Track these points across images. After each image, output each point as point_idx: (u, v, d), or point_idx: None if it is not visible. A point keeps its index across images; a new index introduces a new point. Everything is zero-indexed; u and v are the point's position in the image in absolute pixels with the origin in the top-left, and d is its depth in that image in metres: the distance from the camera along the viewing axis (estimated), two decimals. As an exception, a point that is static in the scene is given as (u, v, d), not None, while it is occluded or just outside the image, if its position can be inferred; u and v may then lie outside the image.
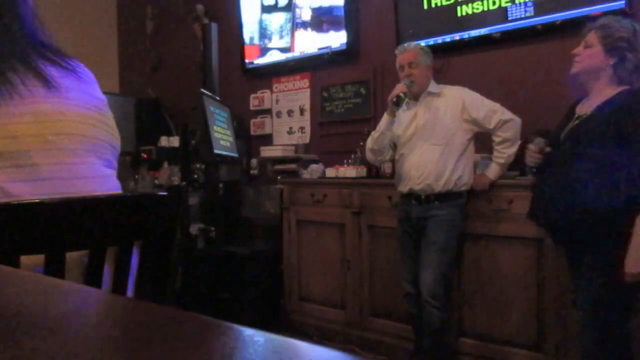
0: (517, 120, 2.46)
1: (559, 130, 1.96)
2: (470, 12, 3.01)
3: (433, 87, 2.56)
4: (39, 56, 0.88)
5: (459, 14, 3.05)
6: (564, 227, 1.92)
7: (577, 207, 1.80)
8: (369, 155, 2.74)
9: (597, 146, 1.77)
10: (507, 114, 2.46)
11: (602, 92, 1.86)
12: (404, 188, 2.55)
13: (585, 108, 1.90)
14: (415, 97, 2.57)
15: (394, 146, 2.66)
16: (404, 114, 2.61)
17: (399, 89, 2.45)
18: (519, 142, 2.48)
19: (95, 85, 0.97)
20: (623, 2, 2.51)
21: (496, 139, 2.46)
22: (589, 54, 1.88)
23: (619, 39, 1.83)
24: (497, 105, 2.48)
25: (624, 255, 1.72)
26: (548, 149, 1.93)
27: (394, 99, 2.43)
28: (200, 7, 4.31)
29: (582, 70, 1.90)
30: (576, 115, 1.92)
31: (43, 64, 0.87)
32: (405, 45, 2.62)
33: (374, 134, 2.62)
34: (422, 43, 3.02)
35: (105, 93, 1.00)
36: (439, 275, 2.42)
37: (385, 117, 2.56)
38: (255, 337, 0.30)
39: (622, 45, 1.82)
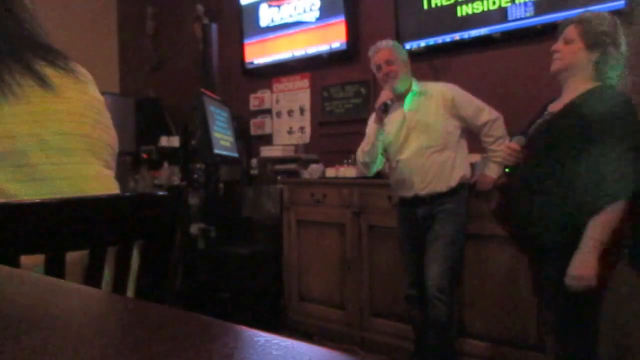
0: (501, 117, 2.47)
1: (528, 128, 1.88)
2: (470, 12, 3.01)
3: (416, 85, 2.52)
4: (35, 57, 0.88)
5: (459, 14, 3.05)
6: (524, 229, 1.84)
7: (535, 210, 1.73)
8: (361, 169, 2.69)
9: (559, 147, 1.70)
10: (493, 113, 2.46)
11: (576, 89, 1.76)
12: (407, 194, 2.49)
13: (556, 106, 1.82)
14: (400, 98, 2.51)
15: (386, 152, 2.60)
16: (391, 117, 2.53)
17: (385, 95, 2.42)
18: (509, 138, 2.48)
19: (93, 86, 0.97)
20: (623, 2, 2.51)
21: (488, 139, 2.45)
22: (569, 50, 1.78)
23: (601, 33, 1.73)
24: (483, 104, 2.47)
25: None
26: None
27: (382, 107, 2.41)
28: (200, 7, 4.31)
29: (563, 67, 1.80)
30: (546, 112, 1.84)
31: (39, 64, 0.87)
32: (378, 44, 2.56)
33: (365, 147, 2.56)
34: (422, 43, 3.03)
35: (105, 93, 1.00)
36: (446, 269, 2.37)
37: (373, 127, 2.51)
38: (255, 337, 0.30)
39: (604, 39, 1.73)
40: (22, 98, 0.83)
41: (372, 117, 2.63)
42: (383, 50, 2.51)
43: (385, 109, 2.42)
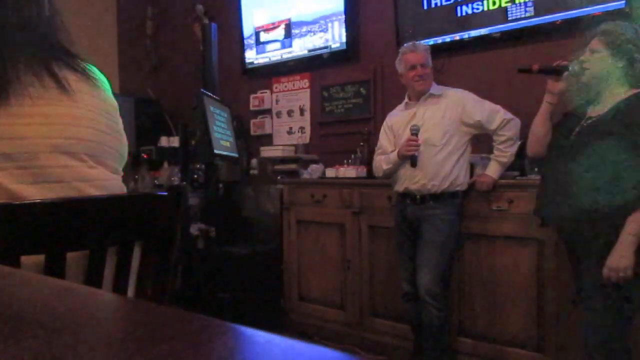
0: (518, 120, 2.49)
1: (569, 128, 1.97)
2: (470, 12, 3.01)
3: (435, 88, 2.57)
4: (55, 58, 0.87)
5: (459, 14, 3.05)
6: (567, 224, 1.94)
7: (580, 206, 1.82)
8: (377, 175, 2.74)
9: (606, 147, 1.79)
10: (509, 114, 2.49)
11: (614, 95, 1.88)
12: (400, 187, 2.56)
13: (597, 110, 1.93)
14: (417, 98, 2.57)
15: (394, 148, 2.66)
16: (403, 114, 2.63)
17: (413, 146, 2.41)
18: (519, 142, 2.49)
19: (109, 91, 0.98)
20: (623, 2, 2.51)
21: (499, 138, 2.47)
22: (596, 59, 1.91)
23: (624, 41, 1.85)
24: (497, 106, 2.51)
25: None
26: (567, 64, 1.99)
27: (412, 161, 2.42)
28: (200, 7, 4.31)
29: (592, 76, 1.93)
30: (587, 116, 1.94)
31: (59, 66, 0.87)
32: (415, 44, 2.62)
33: (385, 167, 2.60)
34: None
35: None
36: (436, 275, 2.42)
37: (397, 159, 2.51)
38: (255, 337, 0.30)
39: (629, 47, 1.85)
40: (37, 99, 0.82)
41: (385, 133, 2.69)
42: (422, 52, 2.56)
43: (413, 163, 2.42)
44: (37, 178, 0.81)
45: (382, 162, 2.63)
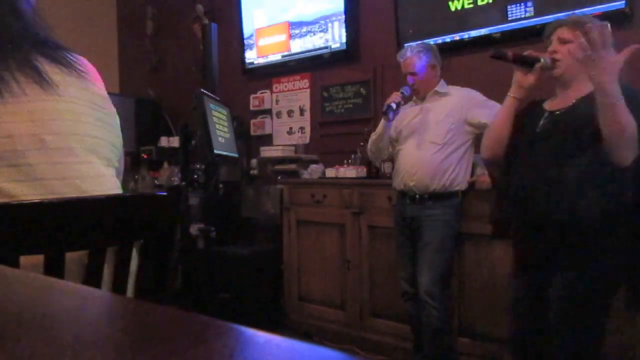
0: None
1: (531, 127, 1.83)
2: (470, 12, 3.00)
3: (442, 87, 2.57)
4: (37, 54, 0.87)
5: (459, 14, 3.04)
6: (528, 232, 1.82)
7: (553, 209, 1.70)
8: (370, 155, 2.81)
9: (574, 143, 1.67)
10: None
11: (579, 87, 1.75)
12: (399, 184, 2.56)
13: (557, 104, 1.80)
14: (422, 96, 2.58)
15: (396, 142, 2.66)
16: (409, 110, 2.62)
17: (392, 98, 2.46)
18: None
19: (97, 82, 0.96)
20: (623, 2, 2.51)
21: None
22: (569, 49, 1.75)
23: (594, 28, 1.70)
24: None
25: (595, 267, 1.66)
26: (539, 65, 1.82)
27: (384, 109, 2.46)
28: (200, 7, 4.31)
29: (567, 68, 1.78)
30: (548, 112, 1.81)
31: (42, 61, 0.87)
32: (403, 51, 2.61)
33: (373, 136, 2.67)
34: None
35: (105, 93, 0.99)
36: (435, 276, 2.42)
37: (382, 122, 2.58)
38: (255, 337, 0.30)
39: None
40: (21, 97, 0.82)
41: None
42: (407, 60, 2.56)
43: (386, 111, 2.45)
44: (26, 176, 0.81)
45: (370, 136, 2.70)
